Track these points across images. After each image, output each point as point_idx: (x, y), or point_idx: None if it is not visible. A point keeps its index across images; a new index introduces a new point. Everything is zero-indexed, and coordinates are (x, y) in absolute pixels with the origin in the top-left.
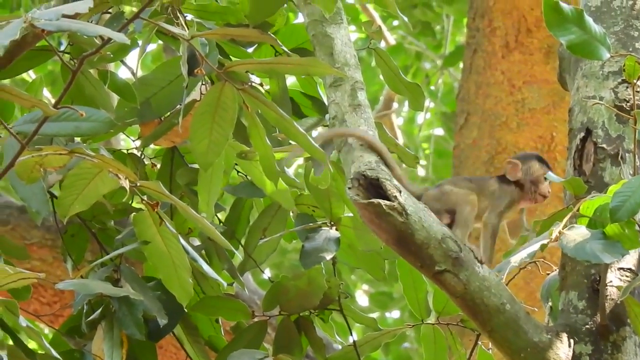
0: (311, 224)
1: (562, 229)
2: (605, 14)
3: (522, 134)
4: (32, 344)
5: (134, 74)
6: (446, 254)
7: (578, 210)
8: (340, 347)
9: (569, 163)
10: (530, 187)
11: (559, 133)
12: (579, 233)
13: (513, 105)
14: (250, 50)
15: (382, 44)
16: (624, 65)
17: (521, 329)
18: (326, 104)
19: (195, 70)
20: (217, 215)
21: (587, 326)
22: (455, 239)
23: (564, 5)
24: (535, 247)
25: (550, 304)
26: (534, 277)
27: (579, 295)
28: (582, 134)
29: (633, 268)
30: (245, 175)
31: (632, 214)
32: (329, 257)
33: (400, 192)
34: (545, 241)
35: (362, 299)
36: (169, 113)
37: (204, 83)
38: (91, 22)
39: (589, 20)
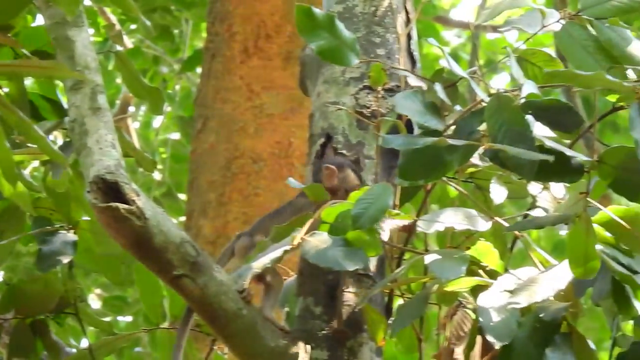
0: (49, 227)
1: (304, 235)
2: (347, 20)
3: (260, 139)
4: None
5: None
6: (184, 258)
7: (319, 216)
8: (74, 350)
9: (309, 169)
10: (343, 195)
11: (296, 139)
12: (320, 239)
13: (251, 110)
14: None
15: (120, 48)
16: (368, 72)
17: (258, 334)
18: (65, 107)
19: None
20: None
21: (324, 332)
22: (193, 243)
23: (316, 10)
24: (278, 252)
25: (287, 309)
26: None
27: (316, 301)
28: (322, 140)
29: (370, 274)
30: None
31: (374, 221)
32: (65, 260)
33: (138, 195)
34: (288, 247)
35: (94, 302)
36: None
37: None
38: None
39: (340, 25)
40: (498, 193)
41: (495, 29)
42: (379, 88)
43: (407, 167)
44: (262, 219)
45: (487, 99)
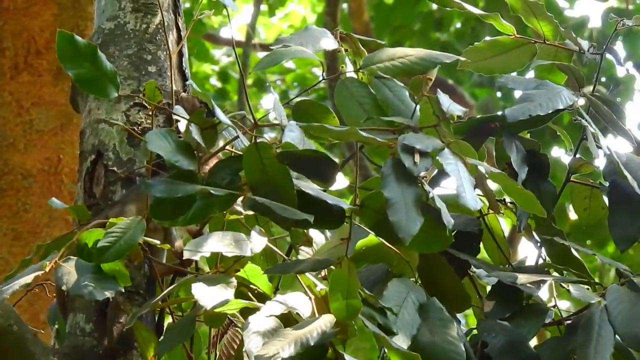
0: None
1: (59, 259)
2: (119, 36)
3: (29, 156)
4: None
5: None
6: None
7: (77, 239)
8: None
9: (79, 185)
10: None
11: (66, 155)
12: (75, 265)
13: (21, 126)
14: None
15: None
16: (143, 89)
17: (28, 351)
18: None
19: None
20: None
21: (95, 349)
22: None
23: (78, 39)
24: (29, 278)
25: (56, 326)
26: (38, 299)
27: (87, 318)
28: (93, 157)
29: (141, 292)
30: None
31: (120, 256)
32: None
33: None
34: (39, 272)
35: None
36: None
37: None
38: None
39: (102, 56)
40: (257, 242)
41: (265, 47)
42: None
43: (158, 208)
44: (132, 189)
45: (246, 144)
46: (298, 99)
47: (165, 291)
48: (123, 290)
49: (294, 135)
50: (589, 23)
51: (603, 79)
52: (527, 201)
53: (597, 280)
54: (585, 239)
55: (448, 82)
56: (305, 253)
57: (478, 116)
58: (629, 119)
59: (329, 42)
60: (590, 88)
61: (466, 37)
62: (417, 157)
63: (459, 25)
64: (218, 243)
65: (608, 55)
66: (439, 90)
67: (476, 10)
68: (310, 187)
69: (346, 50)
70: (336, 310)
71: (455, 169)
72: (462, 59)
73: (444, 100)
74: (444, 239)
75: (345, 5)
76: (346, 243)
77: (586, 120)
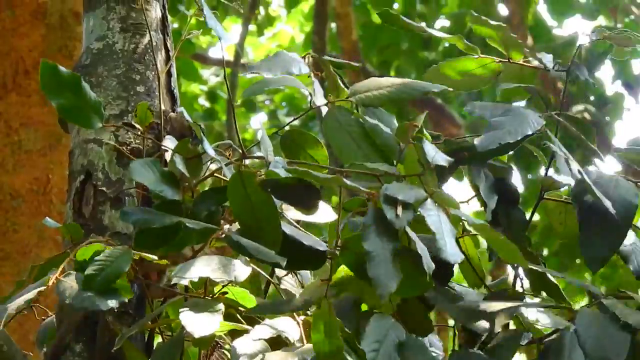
0: None
1: (59, 275)
2: (107, 56)
3: (18, 176)
4: None
5: None
6: None
7: (75, 256)
8: None
9: (69, 206)
10: None
11: (55, 175)
12: (75, 279)
13: (10, 146)
14: None
15: None
16: (127, 109)
17: None
18: None
19: None
20: None
21: None
22: None
23: (62, 69)
24: (32, 294)
25: (45, 350)
26: (27, 320)
27: (76, 338)
28: (82, 177)
29: (131, 312)
30: None
31: (107, 285)
32: None
33: None
34: (42, 288)
35: None
36: None
37: None
38: None
39: (86, 87)
40: (241, 271)
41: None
42: (138, 125)
43: (142, 238)
44: None
45: (229, 175)
46: (287, 126)
47: (155, 311)
48: (127, 301)
49: (279, 171)
50: (578, 41)
51: (592, 98)
52: (509, 253)
53: (578, 299)
54: (575, 257)
55: (437, 101)
56: (287, 283)
57: (452, 138)
58: (618, 137)
59: (299, 68)
60: (579, 107)
61: (454, 56)
62: (399, 210)
63: (447, 44)
64: (205, 267)
65: (597, 74)
66: (424, 139)
67: (441, 34)
68: (290, 227)
69: (317, 75)
70: (319, 352)
71: (437, 220)
72: (450, 89)
73: (429, 149)
74: (424, 284)
75: (333, 25)
76: (326, 284)
77: (555, 144)
